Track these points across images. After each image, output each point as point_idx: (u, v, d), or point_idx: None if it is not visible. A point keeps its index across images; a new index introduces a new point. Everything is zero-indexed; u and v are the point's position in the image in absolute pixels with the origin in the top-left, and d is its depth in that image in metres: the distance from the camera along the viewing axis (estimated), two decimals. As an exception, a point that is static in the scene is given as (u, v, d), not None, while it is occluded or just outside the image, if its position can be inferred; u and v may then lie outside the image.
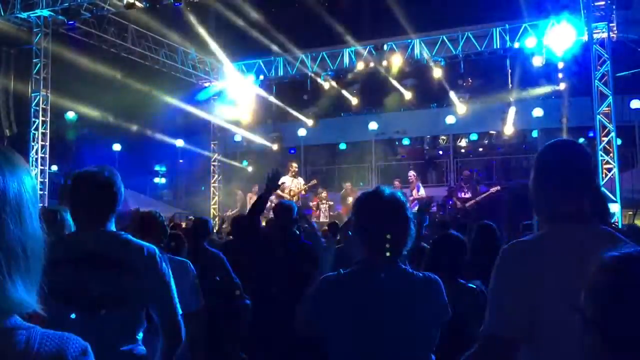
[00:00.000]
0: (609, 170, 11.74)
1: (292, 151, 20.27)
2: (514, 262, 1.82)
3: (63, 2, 12.46)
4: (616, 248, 1.13)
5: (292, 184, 13.34)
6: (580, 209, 1.87)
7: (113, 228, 2.44)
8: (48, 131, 13.47)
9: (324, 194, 14.49)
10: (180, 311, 2.48)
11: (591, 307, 1.08)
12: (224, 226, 14.15)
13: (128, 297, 2.29)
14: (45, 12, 12.79)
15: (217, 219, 16.93)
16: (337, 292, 2.20)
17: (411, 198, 12.67)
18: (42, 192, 13.04)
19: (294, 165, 13.85)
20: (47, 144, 13.45)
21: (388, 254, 2.17)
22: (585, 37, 12.94)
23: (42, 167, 13.28)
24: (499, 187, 12.34)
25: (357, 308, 2.15)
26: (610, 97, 11.92)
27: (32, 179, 1.02)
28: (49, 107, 13.48)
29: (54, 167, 17.84)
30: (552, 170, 1.94)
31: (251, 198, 14.56)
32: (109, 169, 2.47)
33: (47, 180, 13.42)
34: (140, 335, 2.40)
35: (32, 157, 13.18)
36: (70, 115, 17.95)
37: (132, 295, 2.30)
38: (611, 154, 11.82)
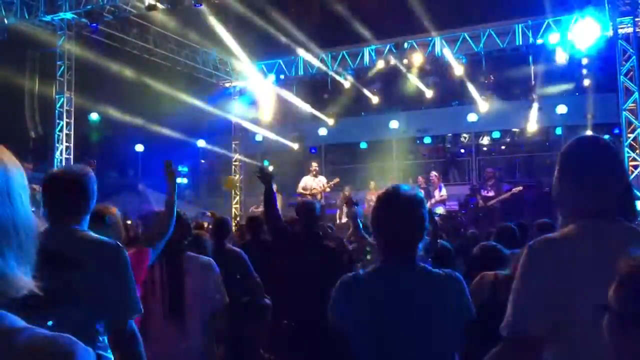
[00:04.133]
0: (635, 167, 11.55)
1: (313, 150, 20.27)
2: (540, 259, 1.79)
3: (86, 5, 12.61)
4: None
5: (313, 183, 13.36)
6: (606, 206, 1.83)
7: (81, 226, 2.41)
8: (72, 132, 13.66)
9: (342, 195, 14.48)
10: (134, 315, 2.41)
11: (627, 304, 1.06)
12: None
13: (80, 293, 2.21)
14: (69, 15, 12.97)
15: (238, 219, 17.00)
16: (355, 292, 2.19)
17: (433, 200, 12.59)
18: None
19: (314, 164, 13.86)
20: (72, 145, 13.64)
21: (405, 252, 2.16)
22: (610, 32, 12.72)
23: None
24: (521, 187, 12.20)
25: (376, 308, 2.13)
26: (637, 92, 11.73)
27: (19, 168, 1.03)
28: (73, 109, 13.68)
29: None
30: (577, 166, 1.90)
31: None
32: (81, 169, 2.46)
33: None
34: (105, 340, 2.34)
35: (57, 159, 13.38)
36: (94, 116, 18.19)
37: (85, 291, 2.22)
38: (638, 150, 11.64)
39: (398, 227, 2.19)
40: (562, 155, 1.95)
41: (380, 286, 2.17)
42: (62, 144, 13.48)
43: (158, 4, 12.38)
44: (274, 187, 15.34)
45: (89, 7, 12.62)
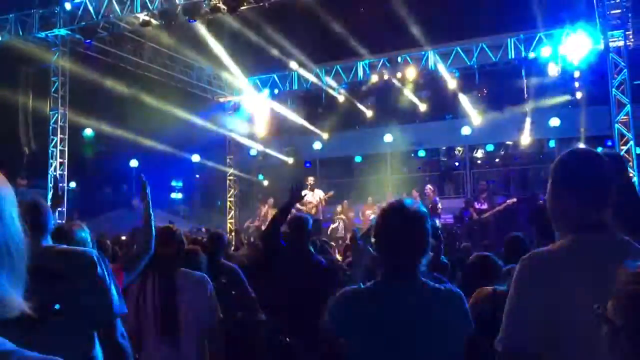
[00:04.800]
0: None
1: (308, 165, 20.31)
2: (533, 273, 1.78)
3: (80, 21, 12.65)
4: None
5: (310, 198, 13.42)
6: (600, 219, 1.83)
7: (47, 242, 2.47)
8: (66, 148, 13.64)
9: (338, 208, 14.50)
10: (117, 315, 2.46)
11: (625, 316, 1.06)
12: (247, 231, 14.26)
13: (66, 304, 2.24)
14: (63, 32, 13.00)
15: (233, 234, 16.97)
16: (355, 306, 2.18)
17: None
18: (61, 209, 13.16)
19: (311, 178, 13.93)
20: (66, 161, 13.60)
21: (407, 267, 2.15)
22: (602, 46, 12.84)
23: (61, 184, 13.41)
24: (515, 199, 12.24)
25: (376, 323, 2.12)
26: (628, 105, 11.81)
27: (9, 187, 1.02)
28: (67, 125, 13.66)
29: (73, 184, 18.03)
30: (568, 179, 1.89)
31: (267, 211, 14.61)
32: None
33: (65, 197, 13.53)
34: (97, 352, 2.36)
35: (51, 174, 13.34)
36: (88, 132, 18.18)
37: (69, 301, 2.25)
38: (631, 163, 11.68)
39: (401, 241, 2.18)
40: (554, 168, 1.95)
41: (380, 300, 2.16)
42: (56, 159, 13.44)
43: (152, 20, 12.44)
44: (271, 201, 15.34)
45: (83, 23, 12.65)
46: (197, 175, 22.95)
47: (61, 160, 13.53)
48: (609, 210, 1.85)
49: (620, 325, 1.06)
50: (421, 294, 2.15)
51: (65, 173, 13.59)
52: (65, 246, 2.47)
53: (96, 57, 14.04)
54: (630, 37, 12.82)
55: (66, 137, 13.66)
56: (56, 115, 13.49)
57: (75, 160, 15.11)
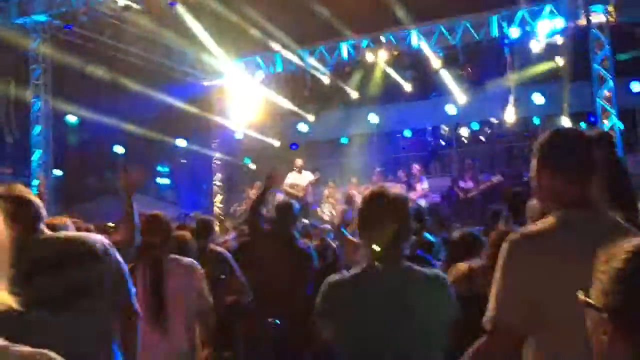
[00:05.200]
0: (612, 154, 11.71)
1: (294, 147, 20.23)
2: (519, 252, 1.81)
3: (60, 7, 12.45)
4: (626, 238, 1.12)
5: (298, 180, 13.37)
6: (586, 196, 1.86)
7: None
8: (50, 136, 13.49)
9: (325, 191, 14.49)
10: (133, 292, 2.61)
11: (607, 298, 1.07)
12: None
13: (91, 286, 2.35)
14: (42, 17, 12.79)
15: (219, 218, 16.96)
16: (341, 293, 2.20)
17: (415, 194, 12.72)
18: (46, 198, 13.05)
19: (299, 161, 13.86)
20: (49, 148, 13.46)
21: (391, 252, 2.17)
22: (584, 21, 12.87)
23: (45, 173, 13.29)
24: (500, 177, 12.31)
25: (361, 309, 2.14)
26: (610, 80, 11.89)
27: None
28: (49, 113, 13.50)
29: (57, 172, 17.87)
30: (554, 157, 1.92)
31: (253, 195, 14.59)
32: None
33: (50, 185, 13.43)
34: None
35: (35, 163, 13.21)
36: (71, 119, 17.97)
37: (94, 284, 2.35)
38: (613, 138, 11.79)
39: (383, 227, 2.19)
40: (540, 146, 1.97)
41: (365, 287, 2.18)
42: (39, 148, 13.30)
43: (132, 4, 12.27)
44: (258, 184, 15.28)
45: (62, 9, 12.45)
46: (183, 160, 22.81)
47: (45, 148, 13.39)
48: (594, 186, 1.88)
49: (605, 308, 1.06)
50: (405, 279, 2.17)
51: (50, 162, 13.45)
52: (70, 233, 2.51)
53: (77, 43, 13.83)
54: (612, 11, 12.86)
55: (49, 125, 13.50)
56: (38, 103, 13.31)
57: (59, 148, 14.97)
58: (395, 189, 2.26)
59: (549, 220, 1.87)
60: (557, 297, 1.66)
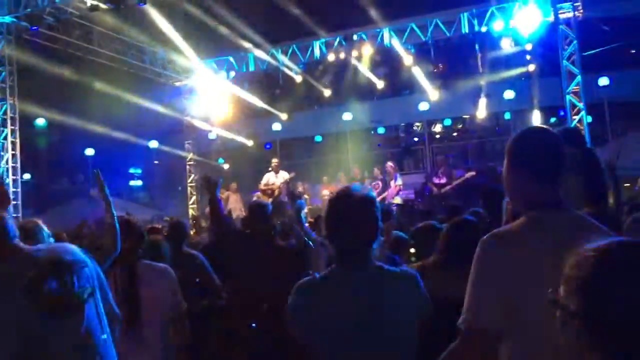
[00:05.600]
0: (581, 148, 11.93)
1: (268, 146, 20.21)
2: (492, 253, 1.81)
3: (26, 8, 12.20)
4: (595, 238, 1.13)
5: (274, 180, 13.34)
6: (557, 195, 1.87)
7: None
8: (18, 140, 13.22)
9: (300, 188, 14.47)
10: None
11: (575, 300, 1.08)
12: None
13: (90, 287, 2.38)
14: (8, 19, 12.52)
15: (193, 220, 16.84)
16: (311, 297, 2.18)
17: (389, 191, 12.84)
18: (15, 202, 12.81)
19: (275, 160, 13.82)
20: (18, 152, 13.19)
21: (359, 254, 2.17)
22: (552, 18, 13.05)
23: (14, 177, 13.03)
24: (474, 172, 12.42)
25: (332, 312, 2.13)
26: (579, 76, 12.08)
27: None
28: (17, 115, 13.23)
29: (27, 176, 17.55)
30: (525, 157, 1.93)
31: (229, 195, 14.50)
32: None
33: (19, 189, 13.17)
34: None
35: (3, 167, 12.94)
36: (40, 122, 17.66)
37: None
38: (583, 132, 12.00)
39: (351, 229, 2.18)
40: (511, 147, 1.97)
41: (335, 290, 2.16)
42: (8, 152, 13.03)
43: (100, 4, 12.07)
44: (233, 186, 15.19)
45: (28, 10, 12.20)
46: (156, 161, 22.59)
47: (13, 152, 13.12)
48: (563, 185, 1.89)
49: (573, 310, 1.08)
50: (375, 279, 2.16)
51: (18, 165, 13.19)
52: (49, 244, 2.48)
53: (44, 44, 13.57)
54: (579, 8, 13.06)
55: (17, 128, 13.22)
56: (5, 106, 13.04)
57: (28, 151, 14.69)
58: (362, 189, 2.25)
59: (520, 221, 1.87)
60: (529, 297, 1.66)
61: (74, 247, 2.45)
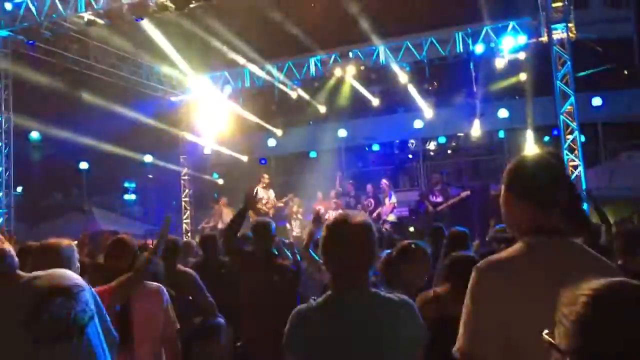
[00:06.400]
0: (575, 168, 11.98)
1: (263, 162, 20.19)
2: (487, 281, 1.79)
3: (22, 22, 12.21)
4: (593, 265, 1.12)
5: (264, 194, 13.32)
6: (553, 223, 1.86)
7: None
8: (11, 153, 13.17)
9: (294, 208, 14.45)
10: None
11: (568, 340, 1.07)
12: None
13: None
14: (4, 33, 12.54)
15: (189, 234, 16.77)
16: (308, 323, 2.18)
17: (384, 209, 12.91)
18: (7, 216, 12.76)
19: (266, 176, 13.82)
20: (11, 166, 13.14)
21: (356, 280, 2.17)
22: (546, 38, 13.18)
23: (7, 191, 12.97)
24: (468, 192, 12.45)
25: (329, 339, 2.12)
26: (572, 96, 12.16)
27: None
28: (11, 129, 13.20)
29: (19, 189, 17.48)
30: (524, 184, 1.91)
31: (222, 210, 14.48)
32: None
33: (12, 203, 13.10)
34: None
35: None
36: (35, 135, 17.62)
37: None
38: (576, 152, 12.06)
39: (348, 256, 2.19)
40: (509, 174, 1.96)
41: (332, 316, 2.15)
42: (1, 165, 12.99)
43: (97, 20, 12.11)
44: (224, 200, 15.13)
45: (25, 24, 12.21)
46: (150, 176, 22.55)
47: (6, 165, 13.07)
48: (560, 213, 1.89)
49: (566, 349, 1.07)
50: (372, 306, 2.16)
51: (12, 179, 13.13)
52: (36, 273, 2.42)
53: (40, 58, 13.58)
54: (573, 29, 13.20)
55: (11, 142, 13.19)
56: (0, 119, 13.02)
57: (21, 164, 14.64)
58: (359, 216, 2.26)
59: (517, 247, 1.86)
60: (525, 327, 1.63)
61: (71, 272, 2.43)
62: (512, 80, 16.04)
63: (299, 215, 14.42)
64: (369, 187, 13.87)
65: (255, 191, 5.06)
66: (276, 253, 5.01)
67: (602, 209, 5.69)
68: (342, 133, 18.79)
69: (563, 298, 1.11)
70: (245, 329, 4.92)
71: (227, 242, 5.01)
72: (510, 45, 13.98)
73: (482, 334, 1.74)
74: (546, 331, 1.13)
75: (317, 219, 5.27)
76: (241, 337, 4.96)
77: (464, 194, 12.35)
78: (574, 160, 12.02)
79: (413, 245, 3.65)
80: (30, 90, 13.80)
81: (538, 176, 1.91)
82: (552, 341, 1.10)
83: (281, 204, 13.75)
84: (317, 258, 4.58)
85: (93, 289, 2.47)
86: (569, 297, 1.10)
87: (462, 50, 14.74)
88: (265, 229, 4.94)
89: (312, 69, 16.20)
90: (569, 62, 12.30)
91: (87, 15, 11.93)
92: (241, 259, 4.96)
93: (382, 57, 15.39)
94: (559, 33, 12.73)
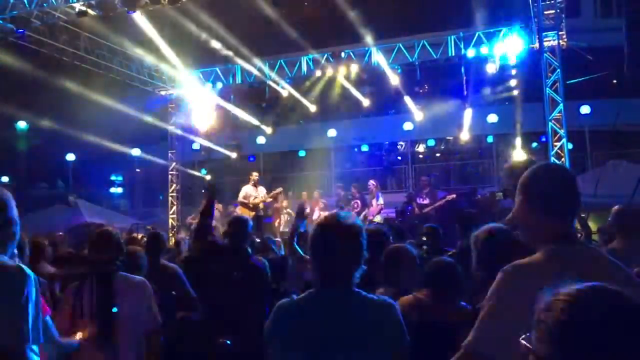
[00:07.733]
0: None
1: (252, 159, 20.19)
2: (511, 285, 1.84)
3: (12, 10, 12.09)
4: (613, 271, 1.11)
5: (253, 193, 13.28)
6: (571, 230, 1.95)
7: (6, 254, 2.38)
8: (-2, 142, 13.07)
9: (284, 203, 14.46)
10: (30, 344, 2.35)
11: (544, 346, 1.08)
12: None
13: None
14: (-7, 20, 12.41)
15: (175, 230, 16.71)
16: (290, 318, 2.19)
17: (370, 210, 12.92)
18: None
19: (255, 174, 13.78)
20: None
21: (342, 280, 2.18)
22: (537, 45, 13.28)
23: None
24: (454, 195, 12.53)
25: (310, 335, 2.13)
26: (561, 104, 12.26)
27: None
28: (-2, 118, 13.10)
29: (5, 179, 17.32)
30: (544, 194, 1.97)
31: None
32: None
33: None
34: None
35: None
36: (22, 125, 17.48)
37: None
38: (563, 159, 12.15)
39: (335, 256, 2.20)
40: (527, 184, 2.01)
41: (315, 313, 2.17)
42: (-14, 154, 12.88)
43: (89, 10, 12.01)
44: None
45: (14, 12, 12.09)
46: (138, 170, 22.42)
47: (-8, 154, 12.97)
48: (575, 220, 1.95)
49: (542, 355, 1.07)
50: (354, 305, 2.18)
51: (-3, 168, 13.03)
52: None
53: (30, 47, 13.45)
54: (564, 37, 13.30)
55: (-3, 130, 13.08)
56: (-14, 108, 12.90)
57: (7, 153, 14.52)
58: (348, 217, 2.27)
59: (539, 255, 1.90)
60: None
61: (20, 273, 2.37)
62: (502, 86, 16.14)
63: (289, 210, 14.44)
64: (353, 188, 13.85)
65: (213, 182, 5.12)
66: (249, 251, 5.00)
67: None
68: (332, 133, 18.81)
69: (540, 303, 1.11)
70: (220, 326, 4.92)
71: (196, 230, 5.05)
72: (502, 50, 14.05)
73: (491, 336, 1.78)
74: (523, 336, 1.13)
75: (301, 212, 5.28)
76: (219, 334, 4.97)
77: (450, 197, 12.44)
78: (561, 167, 12.12)
79: (401, 248, 3.68)
80: (18, 80, 13.67)
81: (560, 191, 1.98)
82: (529, 345, 1.11)
83: (270, 199, 13.70)
84: (301, 252, 4.59)
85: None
86: (545, 302, 1.10)
87: (453, 54, 14.79)
88: (240, 225, 4.94)
89: (304, 67, 16.18)
90: (559, 70, 12.41)
91: (78, 6, 11.82)
92: (204, 249, 4.97)
93: (374, 58, 15.40)
94: (550, 40, 12.83)
